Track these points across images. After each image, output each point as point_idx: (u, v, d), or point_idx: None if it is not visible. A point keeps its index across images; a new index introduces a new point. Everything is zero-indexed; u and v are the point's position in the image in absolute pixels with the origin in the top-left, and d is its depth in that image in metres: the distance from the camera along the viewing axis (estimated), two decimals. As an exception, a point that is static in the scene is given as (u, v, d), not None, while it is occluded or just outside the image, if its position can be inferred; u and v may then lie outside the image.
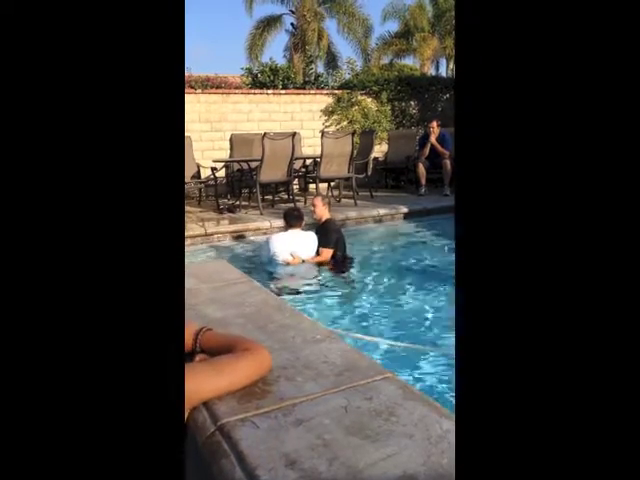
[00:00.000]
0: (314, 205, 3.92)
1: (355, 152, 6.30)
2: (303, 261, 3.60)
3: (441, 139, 6.73)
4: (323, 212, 3.85)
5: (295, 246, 3.62)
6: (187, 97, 7.06)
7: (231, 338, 1.21)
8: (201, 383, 1.03)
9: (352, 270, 3.76)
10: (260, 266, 3.85)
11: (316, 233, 3.77)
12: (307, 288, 3.40)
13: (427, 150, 6.80)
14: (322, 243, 3.69)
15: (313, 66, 10.71)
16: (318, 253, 3.69)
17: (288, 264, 3.59)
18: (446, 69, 17.69)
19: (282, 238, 3.69)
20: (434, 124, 6.82)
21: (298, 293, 3.29)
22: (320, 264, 3.68)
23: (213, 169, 6.05)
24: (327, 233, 3.73)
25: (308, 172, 6.77)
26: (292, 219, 3.76)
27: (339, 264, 3.72)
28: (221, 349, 1.14)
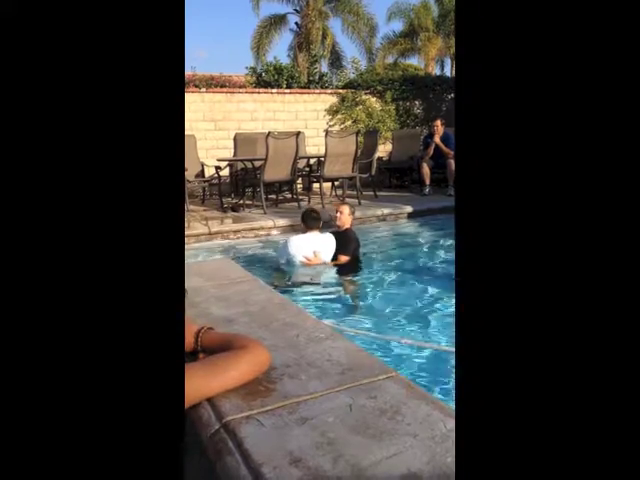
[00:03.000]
0: (340, 212, 3.79)
1: (359, 152, 6.29)
2: (324, 262, 3.56)
3: (445, 138, 6.71)
4: (347, 220, 3.77)
5: (315, 248, 3.57)
6: (191, 96, 7.07)
7: (230, 336, 1.22)
8: (196, 382, 1.03)
9: (360, 272, 3.73)
10: (264, 265, 3.85)
11: (337, 239, 3.68)
12: (318, 288, 3.39)
13: (431, 150, 6.79)
14: (341, 250, 3.63)
15: (317, 65, 10.68)
16: (335, 258, 3.64)
17: (307, 264, 3.53)
18: (451, 69, 17.65)
19: (301, 240, 3.63)
20: (438, 123, 6.79)
21: (310, 292, 3.28)
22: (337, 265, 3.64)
23: (217, 168, 6.06)
24: (348, 242, 3.66)
25: (312, 171, 6.77)
26: (310, 221, 3.69)
27: (355, 268, 3.69)
28: (221, 347, 1.15)
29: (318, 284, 3.47)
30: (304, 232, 3.72)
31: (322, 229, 3.77)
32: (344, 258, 3.63)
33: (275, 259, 3.92)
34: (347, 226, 3.78)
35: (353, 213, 3.89)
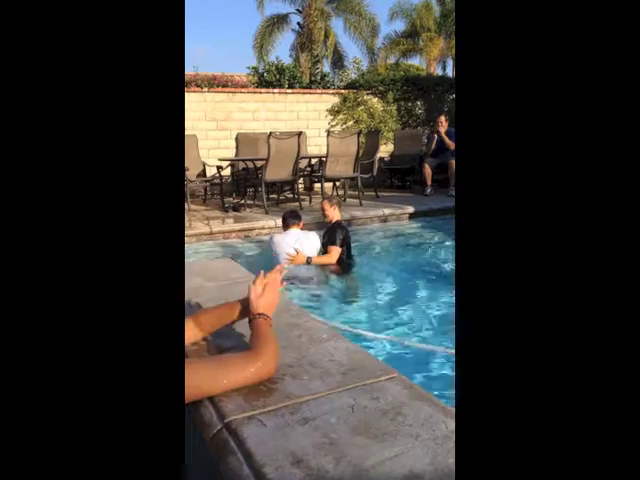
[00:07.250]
0: (323, 209, 3.97)
1: (361, 152, 6.28)
2: (308, 260, 3.58)
3: (448, 135, 6.72)
4: (333, 214, 3.91)
5: (295, 244, 3.62)
6: (193, 95, 7.07)
7: (259, 334, 1.21)
8: (201, 376, 1.05)
9: (355, 270, 3.75)
10: (266, 264, 3.83)
11: (325, 233, 3.81)
12: (313, 288, 3.38)
13: (433, 144, 6.81)
14: (330, 241, 3.71)
15: (319, 65, 10.68)
16: (326, 252, 3.70)
17: (291, 263, 3.55)
18: (452, 69, 17.62)
19: (281, 238, 3.70)
20: (442, 119, 6.80)
21: (309, 295, 3.26)
22: (324, 266, 3.65)
23: (219, 168, 6.06)
24: (334, 232, 3.75)
25: (313, 171, 6.76)
26: (288, 219, 3.79)
27: (344, 265, 3.71)
28: (253, 340, 1.18)
29: (316, 285, 3.44)
30: (284, 231, 3.81)
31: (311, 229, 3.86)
32: (335, 249, 3.67)
33: (263, 256, 3.92)
34: (336, 218, 3.90)
35: (337, 204, 4.01)
